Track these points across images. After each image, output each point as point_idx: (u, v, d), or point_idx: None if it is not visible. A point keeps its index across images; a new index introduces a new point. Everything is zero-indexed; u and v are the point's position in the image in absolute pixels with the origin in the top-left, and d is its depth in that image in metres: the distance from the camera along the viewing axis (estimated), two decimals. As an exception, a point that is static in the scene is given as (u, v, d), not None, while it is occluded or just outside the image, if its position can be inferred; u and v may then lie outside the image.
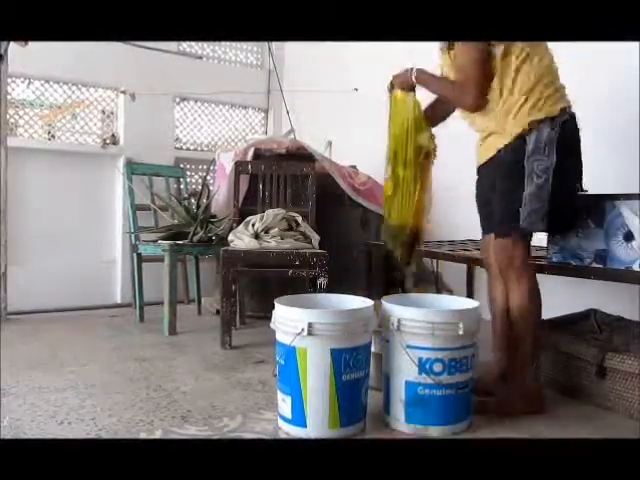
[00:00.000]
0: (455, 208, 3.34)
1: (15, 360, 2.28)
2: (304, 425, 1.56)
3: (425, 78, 1.89)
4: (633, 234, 1.79)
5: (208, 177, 3.74)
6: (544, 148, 1.69)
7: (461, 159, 3.25)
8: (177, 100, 4.00)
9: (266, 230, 2.68)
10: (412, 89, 1.92)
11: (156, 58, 3.76)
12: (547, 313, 2.27)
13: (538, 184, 1.69)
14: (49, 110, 3.57)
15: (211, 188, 3.55)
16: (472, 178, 3.17)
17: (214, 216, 3.22)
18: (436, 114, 2.03)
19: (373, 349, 1.69)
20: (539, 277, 2.41)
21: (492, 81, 1.75)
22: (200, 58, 4.12)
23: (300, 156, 3.20)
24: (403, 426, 1.62)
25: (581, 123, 2.63)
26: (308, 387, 1.54)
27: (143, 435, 1.57)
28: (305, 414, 1.55)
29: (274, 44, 4.29)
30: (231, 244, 2.68)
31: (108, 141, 3.69)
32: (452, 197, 3.34)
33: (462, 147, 3.23)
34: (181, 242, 2.93)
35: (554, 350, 1.97)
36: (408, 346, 1.58)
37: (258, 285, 3.17)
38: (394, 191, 1.93)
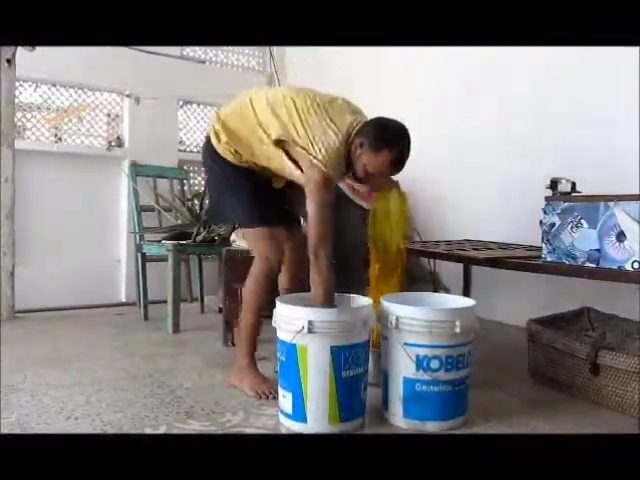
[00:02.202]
0: (452, 209, 3.35)
1: (23, 357, 2.29)
2: (304, 420, 1.56)
3: None
4: (625, 234, 1.79)
5: (211, 179, 3.74)
6: None
7: (460, 164, 3.27)
8: (180, 103, 4.00)
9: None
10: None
11: (160, 62, 3.76)
12: (541, 311, 2.27)
13: None
14: (56, 113, 3.57)
15: (214, 189, 3.55)
16: (470, 182, 3.20)
17: (217, 217, 3.22)
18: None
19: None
20: (533, 276, 2.41)
21: None
22: (203, 62, 4.13)
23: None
24: (401, 421, 1.62)
25: (576, 125, 2.64)
26: (308, 383, 1.54)
27: (148, 430, 1.57)
28: (305, 410, 1.55)
29: (275, 48, 4.29)
30: (233, 244, 2.69)
31: (113, 143, 3.69)
32: (450, 199, 3.35)
33: (461, 153, 3.25)
34: (184, 242, 2.94)
35: (548, 347, 1.97)
36: (406, 343, 1.58)
37: (260, 284, 3.16)
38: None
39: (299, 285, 2.11)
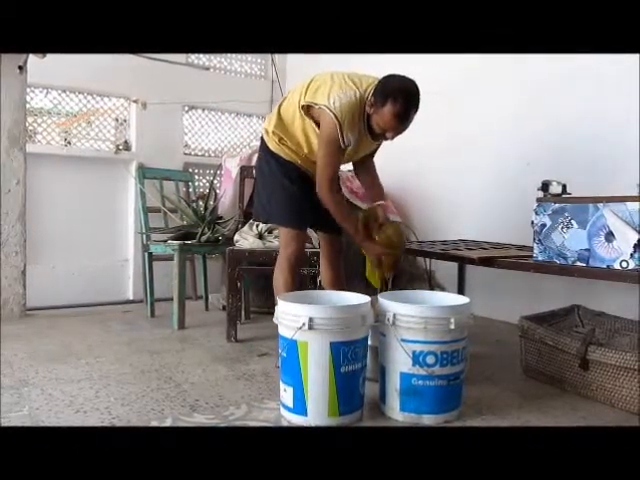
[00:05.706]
0: (448, 211, 3.35)
1: (34, 353, 2.29)
2: (305, 414, 1.56)
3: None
4: (614, 234, 1.79)
5: (215, 181, 3.74)
6: None
7: (455, 167, 3.27)
8: (186, 109, 4.00)
9: (269, 230, 2.68)
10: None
11: (166, 69, 3.76)
12: (533, 309, 2.28)
13: None
14: (66, 118, 3.57)
15: (218, 191, 3.55)
16: (465, 184, 3.19)
17: (220, 217, 3.22)
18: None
19: (370, 342, 1.69)
20: (525, 275, 2.41)
21: None
22: (207, 69, 4.12)
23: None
24: (398, 415, 1.62)
25: (567, 129, 2.64)
26: (309, 378, 1.54)
27: (154, 423, 1.57)
28: (306, 403, 1.55)
29: (277, 56, 4.29)
30: (236, 244, 2.68)
31: (121, 147, 3.69)
32: (446, 201, 3.35)
33: (457, 156, 3.25)
34: (189, 242, 2.93)
35: (539, 343, 1.97)
36: (403, 340, 1.58)
37: (262, 282, 3.17)
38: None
39: (341, 285, 2.15)
